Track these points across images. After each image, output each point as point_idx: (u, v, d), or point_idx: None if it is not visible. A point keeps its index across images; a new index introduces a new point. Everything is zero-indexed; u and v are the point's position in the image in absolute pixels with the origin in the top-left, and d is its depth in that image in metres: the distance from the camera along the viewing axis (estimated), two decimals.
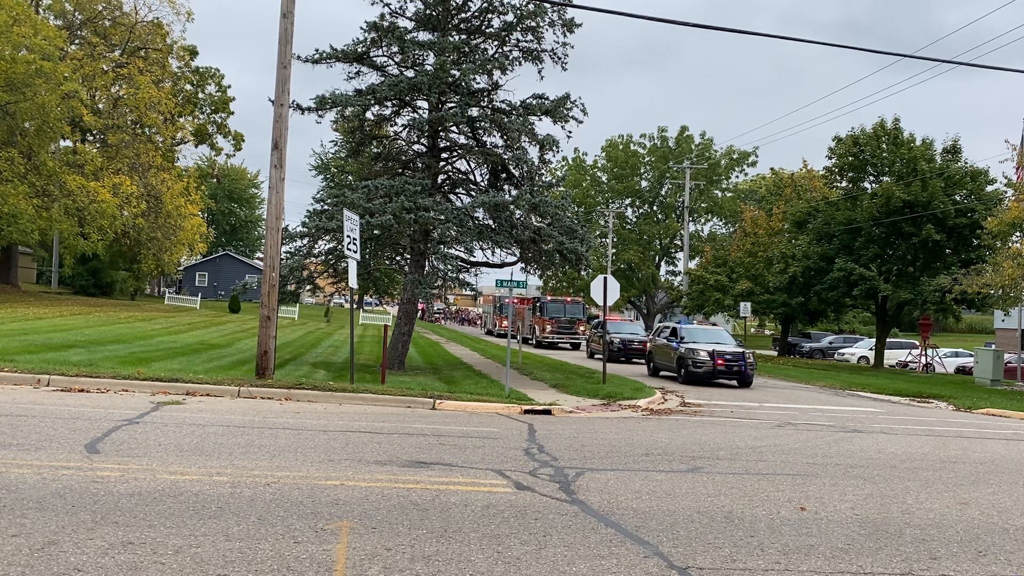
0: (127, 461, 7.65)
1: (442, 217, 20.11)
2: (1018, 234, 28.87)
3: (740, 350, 24.31)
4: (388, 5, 20.54)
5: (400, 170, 21.45)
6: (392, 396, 14.18)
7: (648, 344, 29.11)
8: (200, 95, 59.06)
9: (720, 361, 23.46)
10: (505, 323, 46.88)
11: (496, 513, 6.53)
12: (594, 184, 66.19)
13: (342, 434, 10.13)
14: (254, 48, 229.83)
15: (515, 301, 49.59)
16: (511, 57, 20.66)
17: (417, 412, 13.09)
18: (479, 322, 78.23)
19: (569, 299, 45.57)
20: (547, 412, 14.25)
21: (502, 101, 20.88)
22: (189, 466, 7.58)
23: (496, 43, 20.78)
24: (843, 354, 46.16)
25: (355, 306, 23.36)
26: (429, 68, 19.85)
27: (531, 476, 8.12)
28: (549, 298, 45.64)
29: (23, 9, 37.57)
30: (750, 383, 23.79)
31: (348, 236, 15.85)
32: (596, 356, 33.59)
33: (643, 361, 31.20)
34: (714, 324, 29.31)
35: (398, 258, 23.61)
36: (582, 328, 43.11)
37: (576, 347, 42.28)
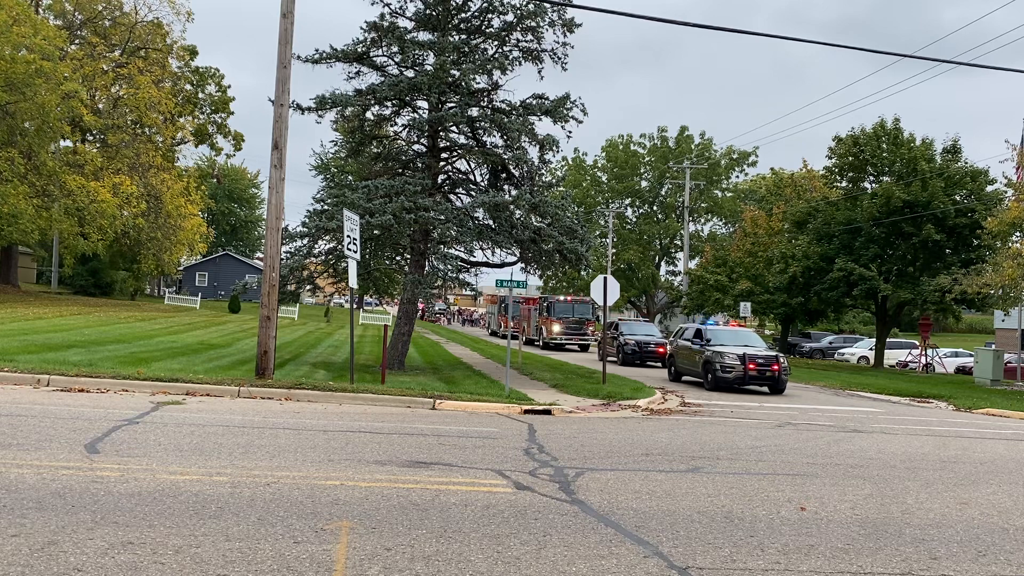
0: (127, 461, 7.65)
1: (442, 217, 20.11)
2: (1018, 234, 28.89)
3: (773, 353, 22.70)
4: (388, 5, 20.54)
5: (400, 170, 21.45)
6: (392, 396, 14.18)
7: (668, 347, 27.27)
8: (200, 95, 59.03)
9: (752, 365, 21.57)
10: (511, 323, 45.06)
11: (496, 513, 6.53)
12: (594, 184, 66.20)
13: (342, 434, 10.13)
14: (252, 47, 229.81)
15: (521, 300, 48.93)
16: (511, 57, 20.64)
17: (417, 412, 13.09)
18: (482, 323, 77.23)
19: (578, 298, 43.34)
20: (547, 412, 14.25)
21: (502, 101, 20.88)
22: (189, 466, 7.58)
23: (496, 43, 20.77)
24: (843, 354, 46.18)
25: (355, 306, 23.35)
26: (429, 68, 19.85)
27: (531, 476, 8.12)
28: (557, 298, 43.56)
29: (23, 9, 37.56)
30: (783, 390, 22.09)
31: (348, 236, 15.86)
32: (609, 359, 31.62)
33: (660, 365, 30.03)
34: (742, 325, 27.14)
35: (398, 258, 23.60)
36: (591, 329, 41.23)
37: (585, 348, 40.23)
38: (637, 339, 32.40)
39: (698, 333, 24.13)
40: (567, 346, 40.64)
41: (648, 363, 31.51)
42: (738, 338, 23.77)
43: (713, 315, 50.65)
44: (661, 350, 31.05)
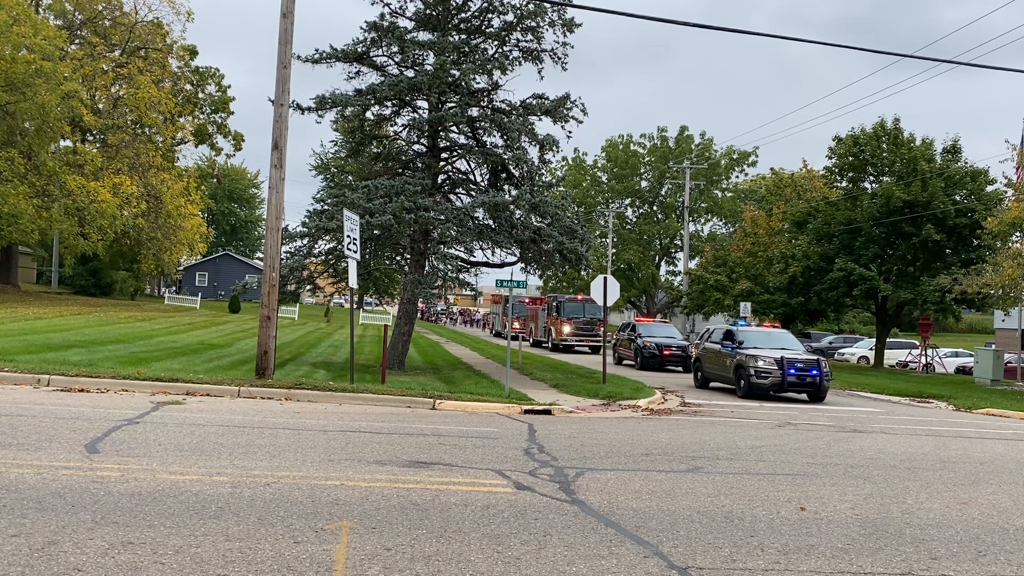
0: (127, 461, 7.65)
1: (442, 217, 20.13)
2: (1018, 234, 28.87)
3: (813, 357, 20.90)
4: (388, 5, 20.56)
5: (400, 170, 21.46)
6: (392, 396, 14.18)
7: (693, 350, 25.19)
8: (200, 95, 59.05)
9: (791, 370, 19.81)
10: (516, 324, 42.50)
11: (496, 513, 6.53)
12: (594, 184, 66.25)
13: (342, 434, 10.13)
14: (252, 47, 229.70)
15: (527, 300, 48.22)
16: (511, 57, 20.66)
17: (417, 412, 13.09)
18: (484, 323, 75.49)
19: (588, 297, 39.42)
20: (547, 412, 14.25)
21: (502, 101, 20.90)
22: (189, 466, 7.58)
23: (496, 43, 20.79)
24: (843, 354, 46.16)
25: (355, 306, 23.35)
26: (429, 68, 19.86)
27: (531, 476, 8.12)
28: (566, 297, 41.64)
29: (23, 9, 37.58)
30: (824, 397, 20.36)
31: (348, 236, 15.86)
32: (626, 362, 31.31)
33: (680, 369, 29.06)
34: (776, 326, 24.58)
35: (398, 258, 23.62)
36: (603, 330, 40.08)
37: (596, 351, 37.51)
38: (657, 341, 30.52)
39: (728, 335, 22.24)
40: (577, 348, 38.76)
41: (668, 367, 29.86)
42: (773, 340, 21.80)
43: (713, 315, 50.60)
44: (682, 353, 29.65)
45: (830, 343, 50.74)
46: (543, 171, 21.89)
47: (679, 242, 63.72)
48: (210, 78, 59.84)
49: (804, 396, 20.57)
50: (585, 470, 8.62)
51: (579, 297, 41.21)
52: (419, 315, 51.51)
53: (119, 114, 46.18)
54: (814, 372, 20.03)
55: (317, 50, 20.05)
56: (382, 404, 13.77)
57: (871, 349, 42.28)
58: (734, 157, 64.56)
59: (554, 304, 40.73)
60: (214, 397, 13.20)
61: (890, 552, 6.06)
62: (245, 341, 26.53)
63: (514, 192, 21.10)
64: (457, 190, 22.31)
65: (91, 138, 47.84)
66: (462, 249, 21.20)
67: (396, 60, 20.82)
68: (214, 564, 4.93)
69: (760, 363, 20.03)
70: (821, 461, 10.23)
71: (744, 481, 8.54)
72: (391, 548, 5.43)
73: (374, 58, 20.72)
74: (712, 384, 22.86)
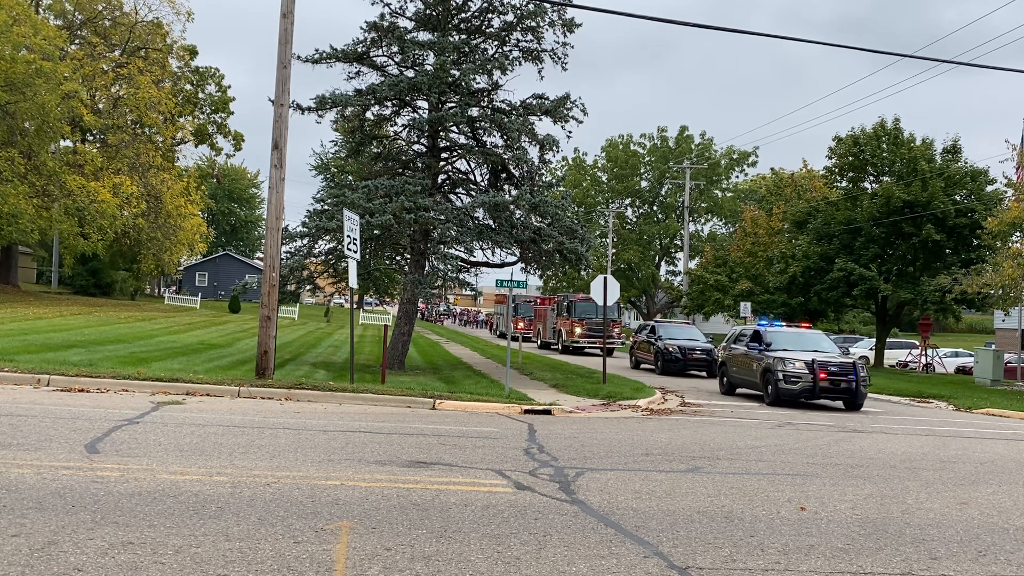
0: (127, 461, 7.65)
1: (442, 217, 20.14)
2: (1018, 234, 28.88)
3: (848, 360, 19.25)
4: (388, 5, 20.57)
5: (400, 170, 21.47)
6: (392, 396, 14.18)
7: (720, 353, 23.33)
8: (200, 95, 59.01)
9: (823, 375, 18.05)
10: (521, 325, 41.78)
11: (496, 513, 6.53)
12: (594, 184, 66.28)
13: (342, 434, 10.13)
14: (252, 47, 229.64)
15: (535, 300, 47.62)
16: (511, 57, 20.67)
17: (417, 412, 13.10)
18: (488, 324, 72.62)
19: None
20: (547, 412, 14.25)
21: (502, 101, 20.92)
22: (189, 466, 7.58)
23: (496, 43, 20.80)
24: None
25: (355, 306, 23.35)
26: (429, 68, 19.87)
27: (531, 476, 8.12)
28: (578, 296, 39.37)
29: (23, 9, 37.59)
30: (862, 405, 18.61)
31: (348, 236, 15.86)
32: (644, 366, 29.59)
33: (704, 374, 27.57)
34: (807, 325, 23.27)
35: (398, 258, 23.62)
36: (616, 330, 37.55)
37: (610, 352, 34.14)
38: (679, 344, 28.39)
39: (756, 336, 20.50)
40: (588, 350, 36.20)
41: (690, 371, 28.08)
42: (804, 341, 20.06)
43: (713, 315, 50.56)
44: (706, 356, 27.89)
45: None
46: (543, 171, 21.91)
47: (679, 242, 63.72)
48: (210, 78, 59.79)
49: (839, 404, 18.90)
50: (585, 470, 8.63)
51: (591, 297, 40.11)
52: (420, 315, 51.48)
53: (119, 114, 46.17)
54: (850, 378, 18.25)
55: (317, 50, 20.07)
56: (382, 404, 13.77)
57: (871, 349, 42.25)
58: (734, 157, 64.58)
59: (564, 304, 38.89)
60: (214, 397, 13.20)
61: (890, 552, 6.06)
62: (245, 341, 26.53)
63: (514, 192, 21.11)
64: (457, 190, 22.32)
65: (91, 138, 47.84)
66: (462, 249, 21.21)
67: (396, 60, 20.83)
68: (214, 564, 4.93)
69: (789, 366, 18.33)
70: (821, 461, 10.24)
71: (744, 481, 8.54)
72: (391, 548, 5.43)
73: (374, 58, 20.73)
74: (739, 390, 21.29)
